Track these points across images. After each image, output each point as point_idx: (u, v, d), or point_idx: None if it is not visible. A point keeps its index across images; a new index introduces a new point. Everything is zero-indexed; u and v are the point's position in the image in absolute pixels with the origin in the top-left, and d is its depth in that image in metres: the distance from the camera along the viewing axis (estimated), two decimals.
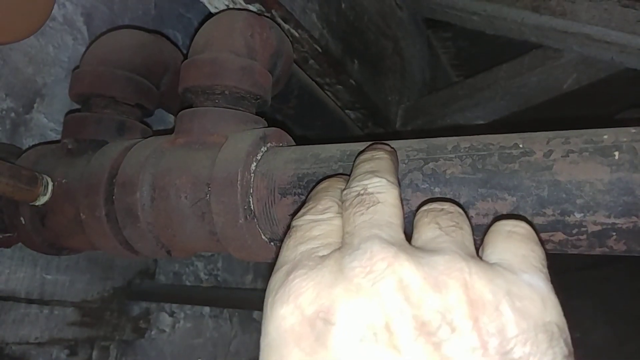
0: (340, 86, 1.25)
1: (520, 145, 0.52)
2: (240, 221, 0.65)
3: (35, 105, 1.15)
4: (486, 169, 0.52)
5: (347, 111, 1.35)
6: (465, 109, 1.46)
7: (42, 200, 0.78)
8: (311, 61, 1.14)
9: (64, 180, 0.78)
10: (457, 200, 0.53)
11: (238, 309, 1.67)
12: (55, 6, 1.20)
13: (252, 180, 0.66)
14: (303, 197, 0.63)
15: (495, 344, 0.31)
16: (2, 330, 1.10)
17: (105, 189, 0.74)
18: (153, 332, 1.49)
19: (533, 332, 0.32)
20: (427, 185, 0.55)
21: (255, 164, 0.67)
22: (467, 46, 1.88)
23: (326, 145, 0.67)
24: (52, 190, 0.78)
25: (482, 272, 0.34)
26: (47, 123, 1.16)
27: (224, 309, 1.66)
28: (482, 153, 0.53)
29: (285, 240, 0.42)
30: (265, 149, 0.70)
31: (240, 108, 0.76)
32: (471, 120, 1.46)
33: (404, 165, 0.57)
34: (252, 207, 0.66)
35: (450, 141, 0.57)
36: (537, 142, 0.52)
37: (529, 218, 0.51)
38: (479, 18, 1.38)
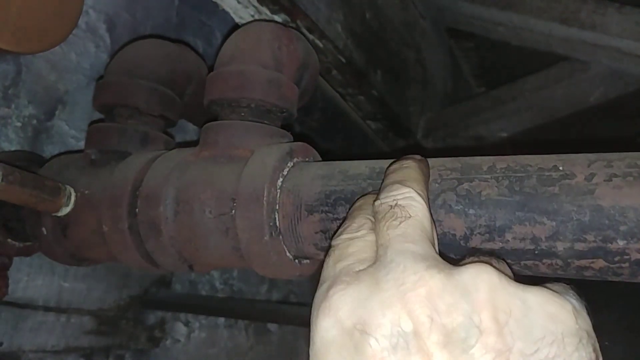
0: (362, 97, 1.24)
1: (560, 168, 0.50)
2: (266, 238, 0.64)
3: (56, 113, 1.15)
4: (524, 192, 0.50)
5: (368, 122, 1.34)
6: (488, 120, 1.44)
7: (65, 211, 0.77)
8: (334, 72, 1.13)
9: (86, 192, 0.78)
10: (492, 223, 0.51)
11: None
12: None
13: (278, 196, 0.65)
14: (331, 215, 0.62)
15: (520, 347, 0.33)
16: (19, 338, 1.10)
17: (128, 202, 0.73)
18: (168, 342, 1.49)
19: (560, 335, 0.34)
20: (461, 206, 0.53)
21: (281, 179, 0.66)
22: (489, 57, 1.85)
23: (354, 161, 0.66)
24: (75, 201, 0.78)
25: (511, 285, 0.36)
26: (68, 130, 1.16)
27: (238, 319, 1.65)
28: (520, 175, 0.51)
29: (325, 259, 0.45)
30: (292, 164, 0.68)
31: (266, 121, 0.74)
32: (494, 132, 1.43)
33: (436, 184, 0.55)
34: (277, 224, 0.65)
35: (485, 161, 0.55)
36: (578, 164, 0.50)
37: (569, 243, 0.49)
38: (505, 29, 1.36)
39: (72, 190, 0.78)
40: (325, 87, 1.05)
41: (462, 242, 0.53)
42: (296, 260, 0.68)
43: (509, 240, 0.50)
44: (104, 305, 1.30)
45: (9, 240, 0.90)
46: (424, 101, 1.57)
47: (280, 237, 0.65)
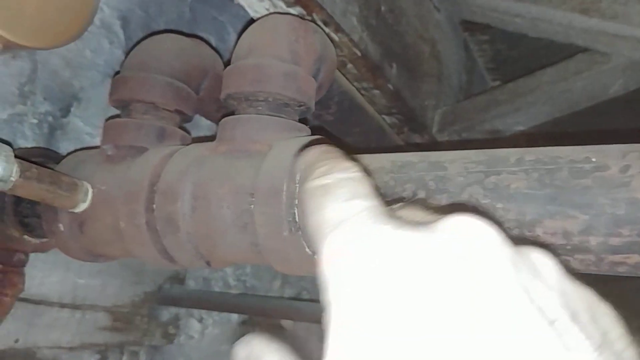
0: (377, 91, 1.22)
1: (593, 159, 0.48)
2: (284, 233, 0.62)
3: (72, 109, 1.15)
4: (555, 185, 0.49)
5: (383, 116, 1.32)
6: (505, 114, 1.41)
7: (82, 207, 0.76)
8: (349, 65, 1.11)
9: (103, 187, 0.77)
10: (522, 217, 0.50)
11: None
12: None
13: (296, 191, 0.64)
14: None
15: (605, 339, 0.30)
16: (34, 334, 1.10)
17: (145, 198, 0.72)
18: (182, 338, 1.48)
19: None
20: (489, 200, 0.51)
21: (300, 174, 0.65)
22: (505, 49, 1.82)
23: (375, 155, 0.65)
24: (92, 198, 0.77)
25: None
26: (83, 127, 1.15)
27: (252, 316, 1.64)
28: (550, 167, 0.50)
29: None
30: None
31: (283, 115, 0.73)
32: (511, 126, 1.41)
33: (461, 178, 0.54)
34: (296, 219, 0.64)
35: (512, 153, 0.53)
36: (611, 156, 0.48)
37: (603, 238, 0.47)
38: (522, 20, 1.33)
39: (88, 187, 0.77)
40: (341, 80, 1.03)
41: None
42: (316, 257, 0.67)
43: (539, 235, 0.49)
44: (119, 302, 1.29)
45: (25, 236, 0.90)
46: (439, 95, 1.55)
47: (299, 232, 0.64)
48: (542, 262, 0.31)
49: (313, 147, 0.47)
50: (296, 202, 0.64)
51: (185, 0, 1.43)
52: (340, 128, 1.10)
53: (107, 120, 0.84)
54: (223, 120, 0.73)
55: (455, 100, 1.59)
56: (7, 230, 0.87)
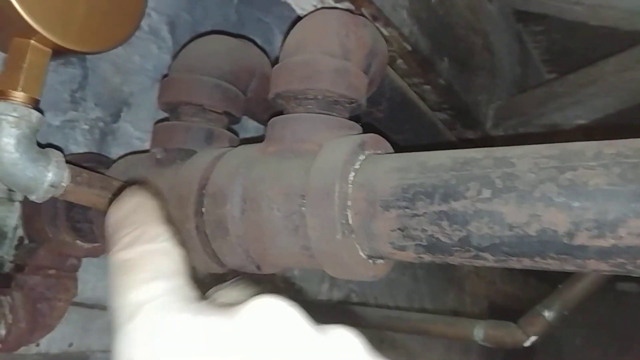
0: (428, 86, 1.18)
1: None
2: (337, 236, 0.59)
3: (122, 115, 1.16)
4: None
5: (435, 112, 1.28)
6: (564, 107, 1.34)
7: None
8: (399, 61, 1.07)
9: None
10: (603, 217, 0.45)
11: None
12: None
13: (350, 191, 0.61)
14: (409, 211, 0.57)
15: None
16: (88, 338, 1.11)
17: (195, 201, 0.71)
18: None
19: None
20: (564, 198, 0.47)
21: (353, 173, 0.62)
22: (561, 39, 1.74)
23: (433, 152, 0.61)
24: None
25: None
26: (133, 132, 1.16)
27: None
28: (634, 160, 0.45)
29: None
30: (364, 157, 0.64)
31: (333, 113, 0.70)
32: (571, 119, 1.33)
33: (532, 175, 0.49)
34: (350, 221, 0.60)
35: (588, 147, 0.48)
36: None
37: None
38: (582, 8, 1.26)
39: None
40: (392, 76, 1.00)
41: (565, 239, 0.47)
42: (370, 260, 0.63)
43: (622, 237, 0.44)
44: None
45: (78, 241, 0.90)
46: (492, 89, 1.48)
47: (353, 235, 0.61)
48: (345, 341, 0.31)
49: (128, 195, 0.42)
50: (349, 203, 0.61)
51: (231, 2, 1.43)
52: (391, 125, 1.06)
53: (156, 123, 0.83)
54: (272, 120, 0.71)
55: (509, 94, 1.52)
56: (60, 235, 0.88)
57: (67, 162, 0.69)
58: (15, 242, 0.95)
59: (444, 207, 0.55)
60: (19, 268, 0.94)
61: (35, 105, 0.64)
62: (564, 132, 1.40)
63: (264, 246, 0.68)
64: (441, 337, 1.03)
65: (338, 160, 0.61)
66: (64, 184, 0.66)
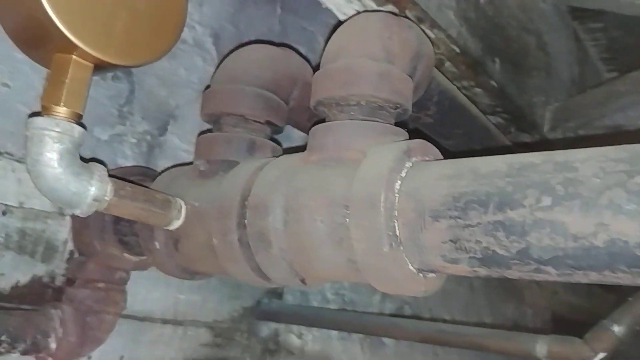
0: (479, 89, 1.13)
1: None
2: (385, 249, 0.56)
3: (168, 127, 1.16)
4: None
5: (487, 116, 1.22)
6: (627, 107, 1.25)
7: (176, 224, 0.75)
8: (447, 63, 1.03)
9: (196, 204, 0.75)
10: None
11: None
12: (186, 29, 1.21)
13: (396, 201, 0.57)
14: (461, 222, 0.53)
15: None
16: (139, 351, 1.11)
17: (237, 213, 0.69)
18: (282, 354, 1.45)
19: None
20: (635, 205, 0.42)
21: (399, 182, 0.58)
22: (621, 36, 1.64)
23: (485, 157, 0.56)
24: (185, 214, 0.75)
25: None
26: (179, 144, 1.16)
27: (351, 332, 1.58)
28: None
29: None
30: (410, 164, 0.60)
31: (377, 119, 0.67)
32: (635, 120, 1.25)
33: (597, 180, 0.45)
34: (397, 233, 0.57)
35: None
36: None
37: None
38: None
39: (182, 203, 0.75)
40: (439, 78, 0.96)
41: (637, 251, 0.42)
42: (420, 274, 0.60)
43: None
44: (219, 317, 1.29)
45: (125, 254, 0.91)
46: (548, 90, 1.41)
47: (401, 247, 0.57)
48: None
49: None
50: (396, 213, 0.57)
51: (274, 13, 1.42)
52: (440, 130, 1.02)
53: (198, 135, 0.82)
54: (313, 128, 0.68)
55: (567, 95, 1.44)
56: (108, 248, 0.89)
57: (112, 175, 0.69)
58: (66, 256, 0.97)
59: (499, 217, 0.50)
60: (70, 282, 0.95)
61: (78, 120, 0.64)
62: (628, 134, 1.30)
63: (307, 259, 0.65)
64: (500, 353, 0.97)
65: (383, 168, 0.58)
66: (107, 198, 0.65)
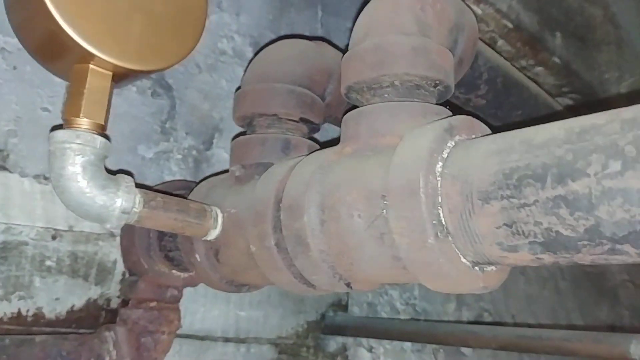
0: (540, 67, 1.03)
1: None
2: (430, 240, 0.49)
3: (214, 141, 1.14)
4: None
5: (556, 99, 1.11)
6: None
7: (214, 234, 0.71)
8: (500, 42, 0.94)
9: (232, 211, 0.71)
10: None
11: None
12: (224, 40, 1.20)
13: (439, 185, 0.50)
14: (516, 201, 0.45)
15: None
16: None
17: (272, 216, 0.64)
18: None
19: None
20: None
21: (441, 164, 0.51)
22: None
23: (540, 125, 0.48)
24: (223, 223, 0.71)
25: None
26: (227, 157, 1.14)
27: (426, 343, 1.48)
28: None
29: None
30: (453, 143, 0.53)
31: (416, 99, 0.60)
32: None
33: None
34: (443, 221, 0.50)
35: None
36: None
37: None
38: None
39: (218, 212, 0.72)
40: (488, 54, 0.87)
41: None
42: (476, 268, 0.52)
43: None
44: (282, 333, 1.24)
45: (174, 271, 0.88)
46: (621, 65, 1.27)
47: (450, 237, 0.50)
48: None
49: None
50: (440, 199, 0.50)
51: (315, 16, 1.38)
52: (496, 113, 0.92)
53: (232, 139, 0.79)
54: (345, 116, 0.62)
55: None
56: (156, 265, 0.86)
57: (149, 188, 0.67)
58: (120, 277, 0.96)
59: (560, 191, 0.42)
60: (124, 303, 0.94)
61: (101, 131, 0.62)
62: None
63: (350, 260, 0.59)
64: (590, 358, 0.85)
65: (422, 149, 0.51)
66: (136, 210, 0.63)
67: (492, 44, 0.94)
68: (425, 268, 0.51)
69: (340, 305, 1.36)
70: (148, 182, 0.99)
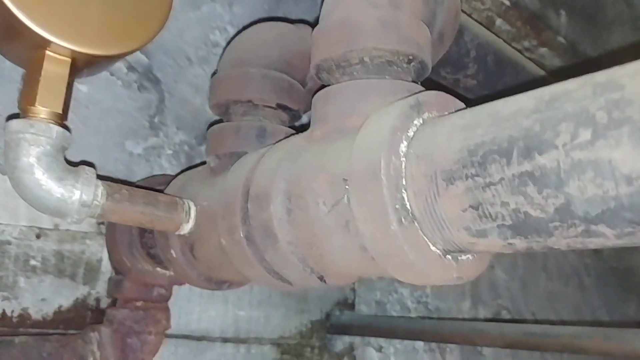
0: (544, 48, 0.96)
1: None
2: (392, 227, 0.44)
3: (207, 136, 1.12)
4: None
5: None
6: None
7: (186, 228, 0.68)
8: (498, 21, 0.88)
9: (205, 203, 0.68)
10: None
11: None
12: (217, 31, 1.17)
13: (402, 166, 0.46)
14: (480, 180, 0.40)
15: None
16: None
17: (241, 207, 0.60)
18: None
19: None
20: None
21: (405, 143, 0.47)
22: None
23: (512, 96, 0.43)
24: (196, 216, 0.68)
25: None
26: None
27: (440, 342, 1.43)
28: None
29: None
30: (421, 121, 0.48)
31: (388, 77, 0.56)
32: None
33: None
34: (407, 206, 0.45)
35: None
36: None
37: None
38: None
39: (191, 204, 0.68)
40: (475, 29, 0.81)
41: None
42: (448, 257, 0.47)
43: None
44: (285, 333, 1.20)
45: (158, 269, 0.85)
46: (636, 46, 1.19)
47: (415, 223, 0.45)
48: None
49: None
50: (404, 182, 0.46)
51: (315, 6, 1.34)
52: (491, 96, 0.86)
53: (207, 128, 0.75)
54: (313, 98, 0.58)
55: None
56: (139, 263, 0.84)
57: (133, 183, 0.64)
58: (109, 276, 0.93)
59: (526, 167, 0.37)
60: (114, 303, 0.92)
61: (59, 120, 0.59)
62: None
63: (319, 252, 0.55)
64: (601, 355, 0.79)
65: (384, 128, 0.47)
66: (97, 202, 0.59)
67: (489, 24, 0.88)
68: (391, 258, 0.47)
69: (347, 304, 1.31)
70: (138, 179, 0.96)
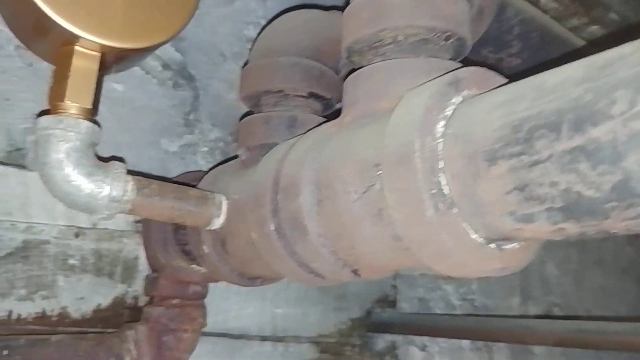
0: (596, 26, 0.90)
1: None
2: (428, 213, 0.41)
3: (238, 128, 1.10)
4: None
5: None
6: None
7: (218, 222, 0.66)
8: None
9: (235, 197, 0.66)
10: None
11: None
12: (251, 27, 1.14)
13: (439, 148, 0.42)
14: (526, 158, 0.36)
15: None
16: None
17: (270, 199, 0.58)
18: None
19: None
20: None
21: (443, 122, 0.43)
22: None
23: (558, 67, 0.39)
24: (227, 210, 0.66)
25: None
26: None
27: (488, 341, 1.37)
28: None
29: None
30: (460, 98, 0.45)
31: (424, 56, 0.52)
32: None
33: None
34: (445, 190, 0.42)
35: None
36: None
37: None
38: None
39: (222, 199, 0.67)
40: (518, 3, 0.76)
41: None
42: (491, 245, 0.43)
43: None
44: (324, 331, 1.18)
45: (193, 266, 0.84)
46: None
47: (455, 209, 0.42)
48: None
49: None
50: (440, 165, 0.42)
51: None
52: (534, 69, 0.81)
53: (239, 120, 0.74)
54: (345, 82, 0.55)
55: None
56: (174, 260, 0.83)
57: (168, 180, 0.63)
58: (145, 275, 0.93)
59: (578, 141, 0.33)
60: (151, 300, 0.91)
61: (88, 115, 0.59)
62: None
63: (350, 243, 0.52)
64: None
65: (417, 108, 0.43)
66: (127, 198, 0.58)
67: (535, 1, 0.83)
68: (427, 247, 0.43)
69: (387, 301, 1.27)
70: (173, 176, 0.96)
